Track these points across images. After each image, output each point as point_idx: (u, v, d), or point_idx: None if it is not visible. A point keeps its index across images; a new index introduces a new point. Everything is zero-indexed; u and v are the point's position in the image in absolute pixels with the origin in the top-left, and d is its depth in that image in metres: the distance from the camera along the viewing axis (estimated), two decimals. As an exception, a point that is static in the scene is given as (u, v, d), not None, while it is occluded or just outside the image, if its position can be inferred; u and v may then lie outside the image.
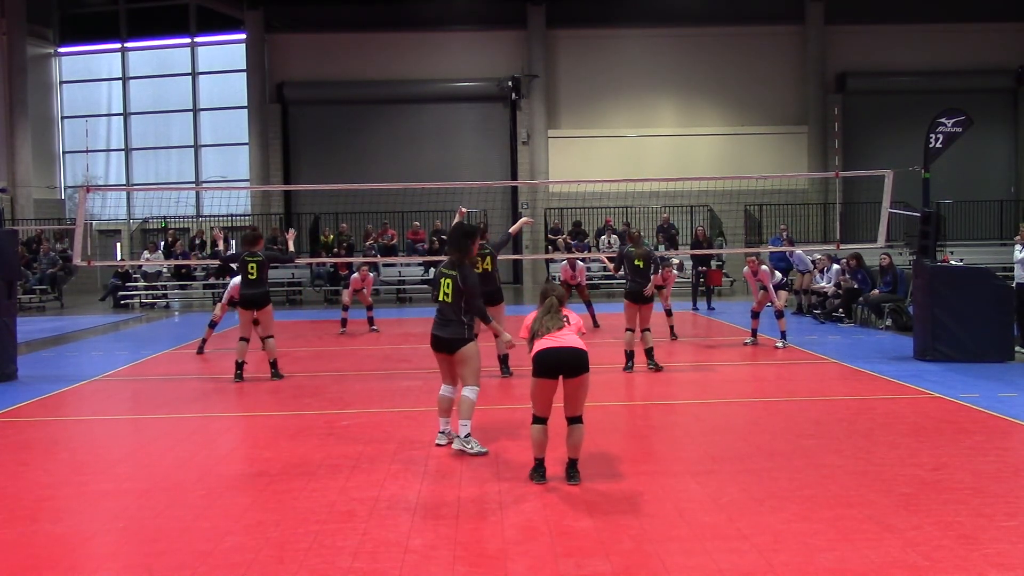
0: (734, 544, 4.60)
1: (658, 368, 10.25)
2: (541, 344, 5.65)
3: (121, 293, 22.56)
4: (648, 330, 10.29)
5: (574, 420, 5.68)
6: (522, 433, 7.23)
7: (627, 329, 10.29)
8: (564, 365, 5.56)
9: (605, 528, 4.88)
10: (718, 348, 12.76)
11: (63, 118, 29.45)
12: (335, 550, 4.62)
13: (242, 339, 10.09)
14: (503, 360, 10.02)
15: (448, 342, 6.52)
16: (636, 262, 10.19)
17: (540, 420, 5.69)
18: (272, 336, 10.13)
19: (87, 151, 27.09)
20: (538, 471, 5.77)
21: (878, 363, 10.63)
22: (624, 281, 10.82)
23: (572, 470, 5.72)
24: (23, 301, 20.62)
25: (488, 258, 9.47)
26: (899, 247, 20.44)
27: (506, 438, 7.03)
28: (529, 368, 5.69)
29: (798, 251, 17.65)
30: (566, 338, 5.64)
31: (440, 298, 6.58)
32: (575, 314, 5.99)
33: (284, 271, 22.59)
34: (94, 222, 24.29)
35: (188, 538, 4.88)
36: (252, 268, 9.97)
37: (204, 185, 28.16)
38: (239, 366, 10.04)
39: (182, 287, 23.53)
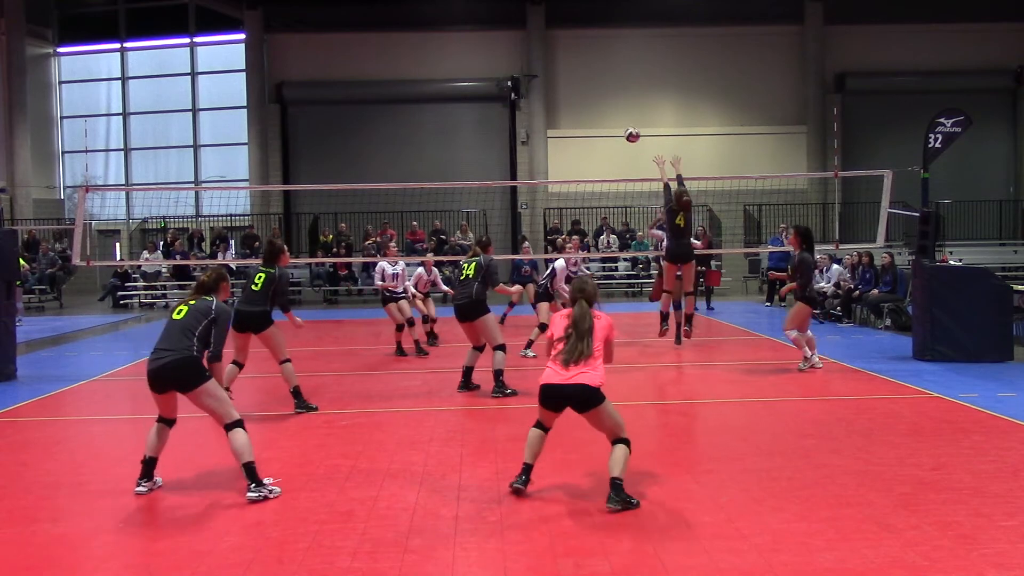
0: (734, 544, 4.61)
1: (687, 336, 11.09)
2: (546, 376, 5.28)
3: (120, 293, 22.56)
4: (692, 293, 10.63)
5: (616, 441, 5.28)
6: (522, 434, 7.23)
7: (665, 291, 10.60)
8: (570, 401, 5.23)
9: (605, 528, 4.88)
10: (718, 348, 12.76)
11: (62, 118, 29.42)
12: (335, 550, 4.62)
13: (234, 363, 8.38)
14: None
15: None
16: (677, 220, 10.48)
17: (540, 426, 5.49)
18: (289, 360, 8.36)
19: (86, 151, 27.06)
20: (521, 473, 5.47)
21: (877, 363, 10.63)
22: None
23: (613, 490, 5.15)
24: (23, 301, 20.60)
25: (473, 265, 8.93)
26: (898, 247, 20.45)
27: (508, 437, 7.03)
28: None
29: None
30: (576, 373, 5.17)
31: None
32: (604, 316, 5.47)
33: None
34: (93, 222, 24.25)
35: (187, 538, 4.88)
36: (259, 279, 8.31)
37: (203, 185, 28.14)
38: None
39: (181, 287, 23.49)
